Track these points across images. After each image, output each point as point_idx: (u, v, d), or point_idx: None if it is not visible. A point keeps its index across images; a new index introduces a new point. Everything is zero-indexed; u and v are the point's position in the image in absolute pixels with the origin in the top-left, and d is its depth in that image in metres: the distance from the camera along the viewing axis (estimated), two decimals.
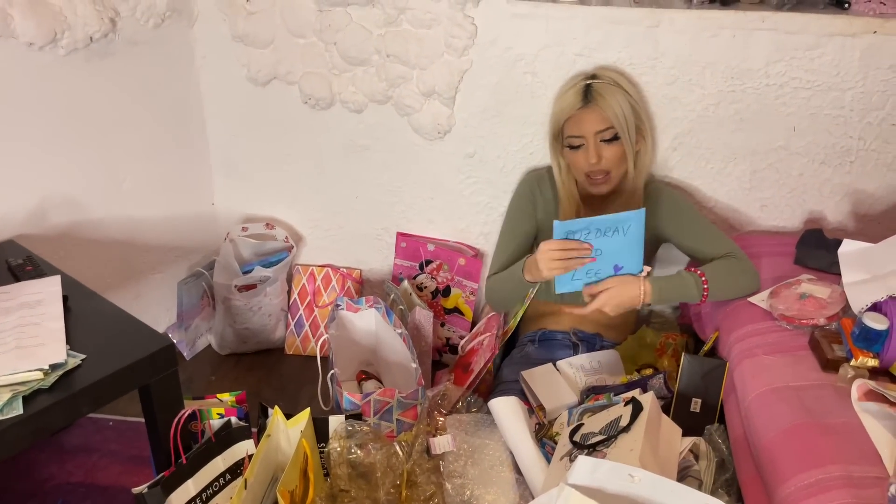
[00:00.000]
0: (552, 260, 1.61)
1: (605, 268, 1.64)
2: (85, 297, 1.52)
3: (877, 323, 1.36)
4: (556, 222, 1.60)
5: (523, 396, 1.72)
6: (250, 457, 1.49)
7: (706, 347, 1.71)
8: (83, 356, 1.33)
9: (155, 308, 2.26)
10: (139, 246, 2.15)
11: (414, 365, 1.74)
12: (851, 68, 1.79)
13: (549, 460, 1.48)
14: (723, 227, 2.01)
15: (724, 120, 1.90)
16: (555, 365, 1.81)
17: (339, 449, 1.49)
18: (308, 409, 1.48)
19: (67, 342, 1.35)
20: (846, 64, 1.79)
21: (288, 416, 1.48)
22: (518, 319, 1.94)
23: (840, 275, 1.59)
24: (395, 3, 1.92)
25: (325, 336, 1.88)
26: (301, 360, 2.31)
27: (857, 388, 1.31)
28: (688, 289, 1.66)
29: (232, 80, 2.17)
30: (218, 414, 1.56)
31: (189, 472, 1.40)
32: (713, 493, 1.37)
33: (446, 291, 2.25)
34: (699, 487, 1.36)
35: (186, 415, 1.44)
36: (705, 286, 1.65)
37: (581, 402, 1.66)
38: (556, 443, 1.52)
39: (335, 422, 1.54)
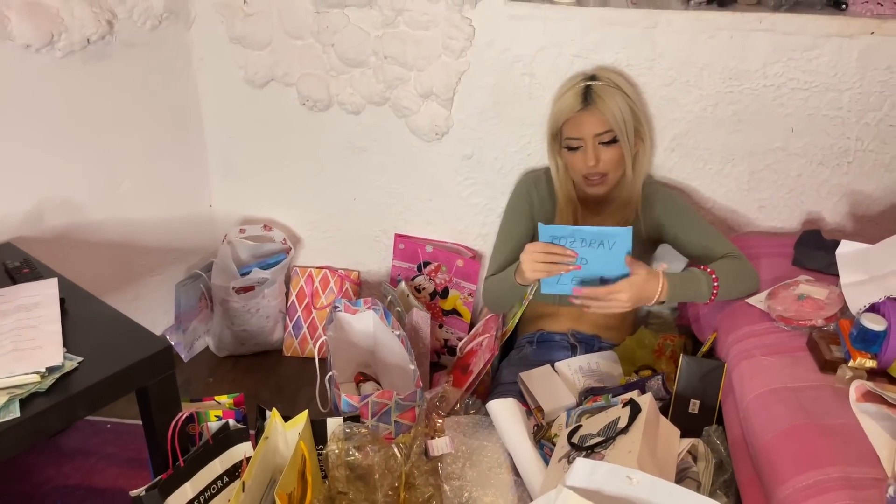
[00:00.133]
0: (535, 262, 1.60)
1: (589, 279, 1.60)
2: (82, 300, 1.52)
3: (875, 324, 1.36)
4: (540, 225, 1.58)
5: (521, 398, 1.72)
6: (248, 459, 1.49)
7: (704, 349, 1.71)
8: (80, 359, 1.33)
9: (153, 310, 2.26)
10: (137, 248, 2.15)
11: (412, 367, 1.74)
12: (849, 69, 1.79)
13: (547, 462, 1.48)
14: (721, 228, 2.01)
15: (722, 121, 1.90)
16: (553, 366, 1.81)
17: (337, 451, 1.48)
18: (306, 411, 1.48)
19: (64, 345, 1.35)
20: (844, 65, 1.79)
21: (286, 418, 1.47)
22: (516, 321, 1.94)
23: (838, 276, 1.59)
24: (393, 5, 1.92)
25: (324, 338, 1.88)
26: (299, 361, 2.30)
27: (855, 389, 1.31)
28: (700, 287, 1.64)
29: (229, 82, 2.17)
30: (216, 416, 1.56)
31: (187, 475, 1.40)
32: (711, 494, 1.37)
33: (444, 293, 2.25)
34: (697, 489, 1.36)
35: (184, 417, 1.44)
36: (715, 284, 1.63)
37: (579, 404, 1.65)
38: (554, 444, 1.52)
39: (333, 424, 1.53)
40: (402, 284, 2.22)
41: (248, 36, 2.07)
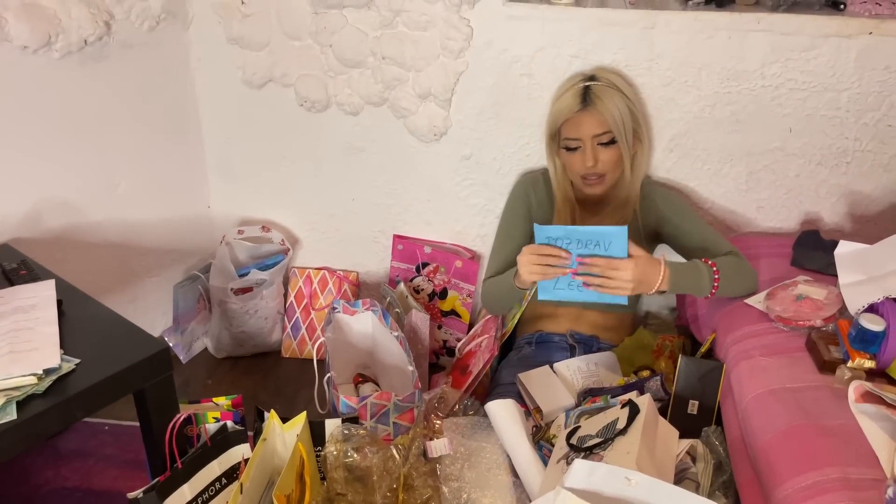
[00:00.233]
0: (531, 264, 1.59)
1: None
2: (80, 301, 1.52)
3: (873, 324, 1.36)
4: (536, 226, 1.58)
5: (520, 399, 1.72)
6: (246, 461, 1.49)
7: (703, 349, 1.71)
8: (77, 360, 1.33)
9: (151, 312, 2.26)
10: (135, 249, 2.15)
11: (411, 368, 1.73)
12: (847, 69, 1.79)
13: (546, 463, 1.47)
14: (720, 228, 2.01)
15: (720, 121, 1.90)
16: (552, 367, 1.80)
17: (335, 452, 1.48)
18: (304, 413, 1.47)
19: (62, 346, 1.35)
20: (842, 65, 1.79)
21: (284, 419, 1.47)
22: (516, 322, 1.94)
23: (837, 276, 1.59)
24: (391, 6, 1.92)
25: (322, 339, 1.87)
26: (297, 363, 2.30)
27: (853, 389, 1.31)
28: (701, 278, 1.62)
29: (227, 83, 2.17)
30: (214, 418, 1.56)
31: (185, 477, 1.40)
32: (710, 495, 1.37)
33: (443, 294, 2.25)
34: (696, 490, 1.35)
35: (182, 419, 1.43)
36: (716, 277, 1.62)
37: (578, 405, 1.65)
38: (553, 445, 1.52)
39: (331, 425, 1.53)
40: (401, 285, 2.22)
41: (246, 36, 2.07)
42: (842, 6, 1.78)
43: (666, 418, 1.51)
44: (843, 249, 1.65)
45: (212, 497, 1.45)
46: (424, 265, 2.25)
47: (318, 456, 1.51)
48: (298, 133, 2.20)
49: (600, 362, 1.82)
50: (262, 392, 2.17)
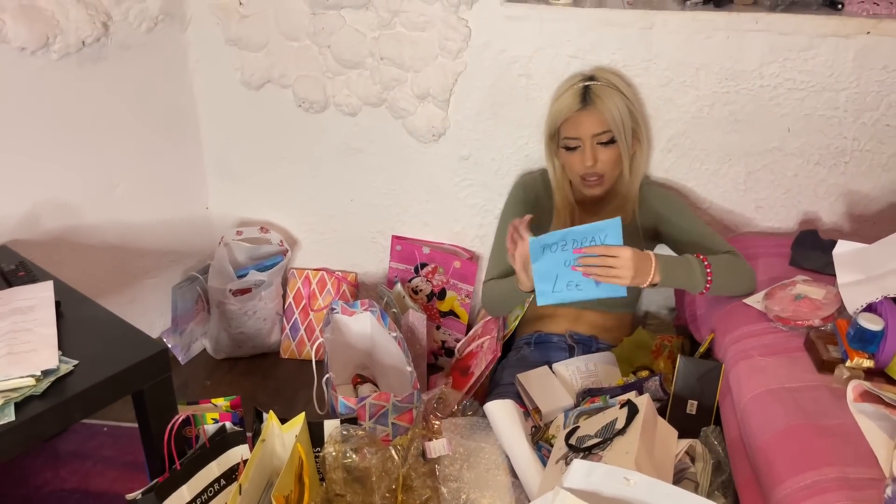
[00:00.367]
0: (529, 271, 1.58)
1: (587, 282, 1.56)
2: (78, 303, 1.52)
3: (872, 324, 1.36)
4: (530, 238, 1.57)
5: (519, 399, 1.71)
6: (245, 462, 1.49)
7: (702, 349, 1.71)
8: (76, 362, 1.33)
9: (149, 313, 2.25)
10: (133, 250, 2.15)
11: (409, 368, 1.73)
12: (845, 69, 1.79)
13: (545, 463, 1.47)
14: (718, 228, 2.01)
15: (718, 121, 1.90)
16: (551, 367, 1.81)
17: (334, 453, 1.48)
18: (303, 414, 1.47)
19: (60, 348, 1.35)
20: (840, 65, 1.79)
21: (283, 420, 1.47)
22: (517, 323, 1.94)
23: (835, 276, 1.59)
24: (389, 6, 1.92)
25: (321, 340, 1.87)
26: (296, 364, 2.30)
27: (852, 389, 1.31)
28: (692, 272, 1.61)
29: (225, 84, 2.17)
30: (212, 419, 1.56)
31: (183, 478, 1.40)
32: (709, 495, 1.37)
33: (441, 294, 2.24)
34: (695, 490, 1.35)
35: (181, 420, 1.43)
36: (709, 272, 1.61)
37: (577, 405, 1.65)
38: (552, 446, 1.52)
39: (330, 426, 1.53)
40: (398, 286, 2.22)
41: (245, 38, 2.07)
42: (839, 6, 1.78)
43: (665, 418, 1.51)
44: (842, 249, 1.65)
45: (211, 498, 1.46)
46: (423, 266, 2.25)
47: (316, 457, 1.51)
48: (297, 134, 2.20)
49: (599, 362, 1.82)
50: (260, 393, 2.17)
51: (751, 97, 1.86)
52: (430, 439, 1.56)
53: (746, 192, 1.99)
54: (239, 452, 1.50)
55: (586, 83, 1.76)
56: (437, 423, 1.63)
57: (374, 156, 2.17)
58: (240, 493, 1.30)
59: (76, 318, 1.47)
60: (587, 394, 1.67)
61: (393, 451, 1.50)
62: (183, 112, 2.21)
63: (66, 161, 1.89)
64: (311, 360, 1.86)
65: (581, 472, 1.10)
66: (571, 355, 1.86)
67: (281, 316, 2.34)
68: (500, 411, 1.58)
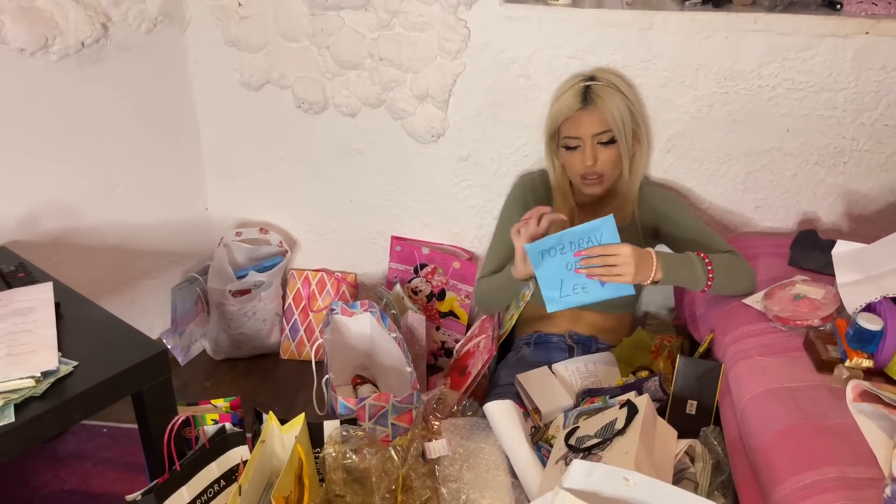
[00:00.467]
0: (515, 233, 1.61)
1: (592, 284, 1.56)
2: (77, 304, 1.52)
3: (871, 323, 1.36)
4: (526, 245, 1.58)
5: (519, 400, 1.71)
6: (245, 463, 1.49)
7: (701, 349, 1.71)
8: (75, 363, 1.32)
9: (149, 314, 2.25)
10: (133, 251, 2.15)
11: (409, 369, 1.73)
12: (844, 69, 1.79)
13: (544, 464, 1.47)
14: (717, 228, 2.01)
15: (717, 121, 1.90)
16: (550, 368, 1.81)
17: (334, 454, 1.48)
18: (303, 415, 1.47)
19: (59, 349, 1.35)
20: (838, 65, 1.79)
21: (283, 421, 1.47)
22: (513, 322, 1.94)
23: (834, 276, 1.59)
24: (388, 7, 1.92)
25: (320, 340, 1.87)
26: (296, 364, 2.30)
27: (851, 389, 1.31)
28: (694, 269, 1.61)
29: (225, 85, 2.17)
30: (212, 420, 1.56)
31: (183, 479, 1.40)
32: (709, 495, 1.37)
33: (441, 295, 2.25)
34: (695, 490, 1.35)
35: (180, 421, 1.43)
36: (710, 269, 1.61)
37: (576, 405, 1.65)
38: (551, 446, 1.52)
39: (330, 427, 1.53)
40: (398, 287, 2.22)
41: (244, 39, 2.07)
42: (838, 6, 1.78)
43: (664, 418, 1.51)
44: (841, 249, 1.65)
45: (210, 499, 1.46)
46: (422, 266, 2.25)
47: (316, 457, 1.51)
48: (296, 135, 2.20)
49: (599, 363, 1.82)
50: (260, 394, 2.17)
51: (750, 97, 1.86)
52: (429, 440, 1.56)
53: (745, 192, 1.99)
54: (239, 453, 1.50)
55: (587, 83, 1.77)
56: (436, 423, 1.63)
57: (373, 156, 2.18)
58: (239, 494, 1.30)
59: (76, 319, 1.47)
60: (587, 394, 1.67)
61: (393, 452, 1.50)
62: (182, 113, 2.21)
63: (66, 162, 1.89)
64: (310, 361, 1.86)
65: (581, 472, 1.10)
66: (571, 356, 1.86)
67: (280, 317, 2.34)
68: (500, 412, 1.58)
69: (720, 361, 1.59)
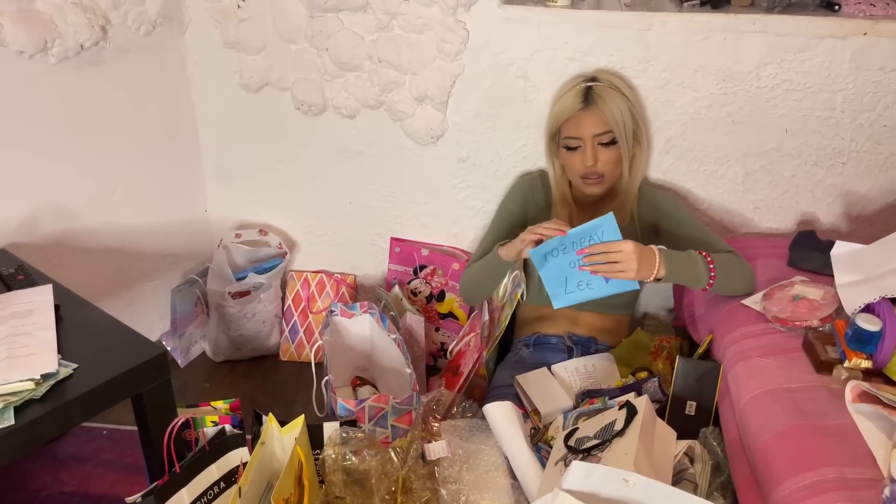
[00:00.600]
0: (526, 232, 1.60)
1: (597, 280, 1.55)
2: (77, 306, 1.52)
3: (870, 324, 1.36)
4: (528, 251, 1.58)
5: (518, 401, 1.72)
6: (245, 464, 1.48)
7: (700, 350, 1.71)
8: (75, 365, 1.33)
9: (149, 316, 2.25)
10: (132, 254, 2.15)
11: (408, 370, 1.74)
12: (842, 70, 1.79)
13: (544, 465, 1.47)
14: (716, 229, 2.01)
15: (716, 122, 1.91)
16: (549, 369, 1.81)
17: (333, 456, 1.48)
18: (302, 416, 1.47)
19: (59, 351, 1.35)
20: (837, 66, 1.79)
21: (282, 422, 1.47)
22: (507, 323, 1.94)
23: (833, 276, 1.59)
24: (387, 9, 1.92)
25: (320, 342, 1.87)
26: (296, 366, 2.30)
27: (850, 389, 1.31)
28: (696, 267, 1.60)
29: (224, 87, 2.17)
30: (212, 422, 1.56)
31: (183, 481, 1.40)
32: (708, 496, 1.37)
33: (440, 296, 2.25)
34: (694, 491, 1.36)
35: (180, 423, 1.43)
36: (712, 267, 1.60)
37: (576, 406, 1.65)
38: (551, 447, 1.52)
39: (330, 428, 1.53)
40: (396, 288, 2.22)
41: (243, 41, 2.07)
42: (836, 7, 1.79)
43: (664, 419, 1.51)
44: (840, 250, 1.65)
45: (210, 501, 1.45)
46: (422, 268, 2.25)
47: (316, 459, 1.51)
48: (295, 136, 2.20)
49: (598, 364, 1.82)
50: (260, 396, 2.17)
51: (748, 98, 1.86)
52: (429, 441, 1.56)
53: (744, 192, 1.99)
54: (238, 455, 1.50)
55: (589, 84, 1.77)
56: (436, 424, 1.63)
57: (372, 158, 2.18)
58: (239, 496, 1.30)
59: (75, 321, 1.47)
60: (586, 395, 1.67)
61: (392, 454, 1.50)
62: (181, 115, 2.21)
63: (65, 164, 1.89)
64: (310, 363, 1.86)
65: (580, 473, 1.10)
66: (570, 356, 1.86)
67: (280, 318, 2.34)
68: (500, 413, 1.58)
69: (719, 362, 1.59)
